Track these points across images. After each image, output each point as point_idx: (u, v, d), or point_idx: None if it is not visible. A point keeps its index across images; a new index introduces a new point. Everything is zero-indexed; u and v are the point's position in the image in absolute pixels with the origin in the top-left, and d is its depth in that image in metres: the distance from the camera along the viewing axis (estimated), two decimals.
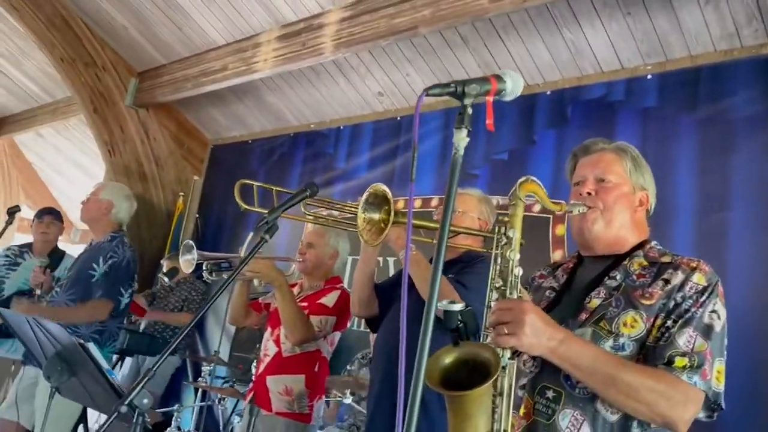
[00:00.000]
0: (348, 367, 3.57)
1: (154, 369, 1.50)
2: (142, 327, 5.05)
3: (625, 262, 1.49)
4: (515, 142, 4.08)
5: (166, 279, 4.00)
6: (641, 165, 1.59)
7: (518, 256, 1.34)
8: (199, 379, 3.84)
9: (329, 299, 2.74)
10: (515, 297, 1.33)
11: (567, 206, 1.50)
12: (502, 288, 1.35)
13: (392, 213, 1.89)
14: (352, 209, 2.28)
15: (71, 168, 7.93)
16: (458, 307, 1.25)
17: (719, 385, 1.33)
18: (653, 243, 1.55)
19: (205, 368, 3.72)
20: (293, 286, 2.97)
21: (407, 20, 3.75)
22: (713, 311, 1.36)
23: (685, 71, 3.41)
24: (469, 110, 1.15)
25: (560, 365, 1.31)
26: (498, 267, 1.35)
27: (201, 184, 6.38)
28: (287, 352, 2.71)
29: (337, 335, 2.81)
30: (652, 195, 1.61)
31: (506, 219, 1.38)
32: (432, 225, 2.22)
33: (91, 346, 1.71)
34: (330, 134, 5.34)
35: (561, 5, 3.48)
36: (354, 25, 4.07)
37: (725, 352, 1.37)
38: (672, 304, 1.37)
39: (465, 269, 2.19)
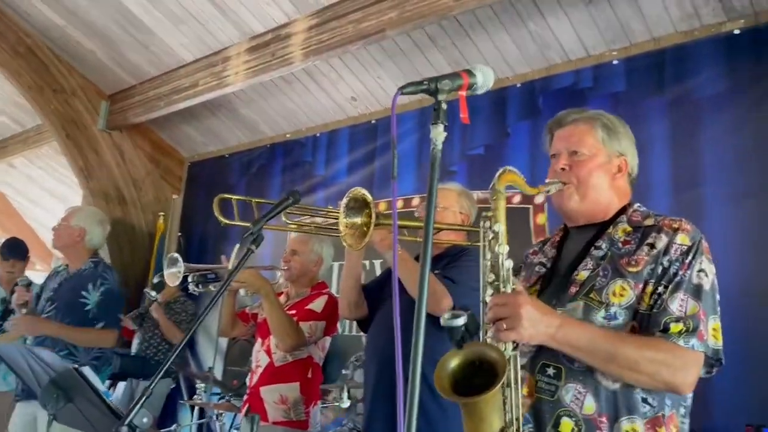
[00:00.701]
0: (343, 371, 3.58)
1: (151, 387, 1.51)
2: (133, 350, 5.01)
3: (610, 230, 1.50)
4: (490, 136, 4.13)
5: (153, 293, 3.98)
6: (616, 131, 1.58)
7: (507, 249, 1.36)
8: (195, 396, 3.83)
9: (317, 304, 2.75)
10: (509, 290, 1.35)
11: (544, 187, 1.52)
12: (496, 283, 1.36)
13: (373, 216, 1.91)
14: (334, 215, 2.31)
15: (47, 197, 7.85)
16: (461, 321, 1.25)
17: (717, 342, 1.36)
18: (636, 205, 1.56)
19: (200, 385, 3.72)
20: (279, 294, 2.98)
21: (374, 24, 3.79)
22: (701, 270, 1.38)
23: (649, 54, 3.49)
24: (444, 105, 1.18)
25: (560, 349, 1.34)
26: (488, 262, 1.37)
27: (181, 203, 6.36)
28: (279, 361, 2.72)
29: (328, 340, 2.83)
30: (632, 158, 1.60)
31: (489, 214, 1.39)
32: (415, 223, 2.25)
33: (87, 370, 1.71)
34: (307, 142, 5.36)
35: None
36: (322, 33, 4.10)
37: (718, 308, 1.40)
38: (660, 269, 1.39)
39: (451, 263, 2.23)
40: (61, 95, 5.66)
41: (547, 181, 1.54)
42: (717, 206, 3.12)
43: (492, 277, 1.36)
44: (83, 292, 3.25)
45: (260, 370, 2.74)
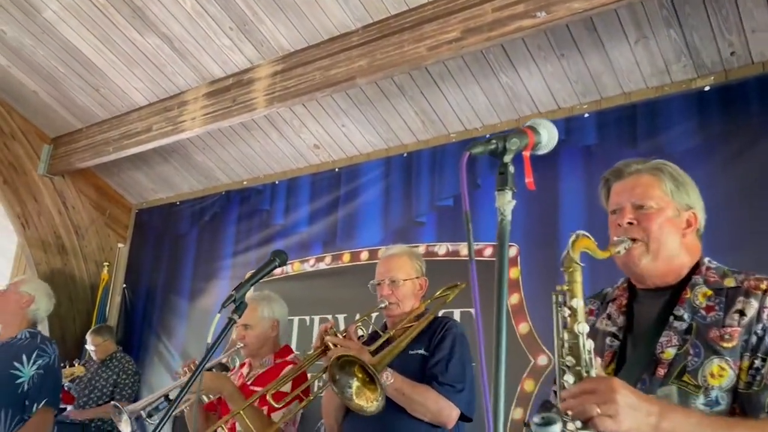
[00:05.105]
0: None
1: None
2: (68, 411, 4.57)
3: (688, 296, 1.34)
4: (459, 187, 4.03)
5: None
6: (683, 182, 1.44)
7: (587, 328, 1.20)
8: None
9: (284, 384, 2.49)
10: (594, 375, 1.17)
11: (614, 248, 1.35)
12: (577, 368, 1.18)
13: (376, 376, 1.79)
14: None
15: None
16: (557, 428, 1.08)
17: None
18: (706, 261, 1.41)
19: None
20: (242, 366, 2.73)
21: (343, 71, 3.68)
22: None
23: (620, 108, 3.50)
24: (511, 168, 1.03)
25: None
26: (565, 343, 1.20)
27: (126, 252, 5.99)
28: None
29: (300, 411, 2.58)
30: (701, 211, 1.45)
31: (565, 287, 1.23)
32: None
33: None
34: (265, 190, 5.16)
35: (496, 50, 3.51)
36: (287, 79, 3.96)
37: None
38: (754, 339, 1.23)
39: (437, 353, 2.12)
40: (0, 138, 5.30)
41: (614, 239, 1.37)
42: None
43: (571, 360, 1.19)
44: (16, 363, 2.91)
45: None
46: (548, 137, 1.09)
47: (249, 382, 2.60)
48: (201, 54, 4.23)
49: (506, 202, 1.00)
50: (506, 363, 0.91)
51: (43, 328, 3.77)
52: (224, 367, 3.54)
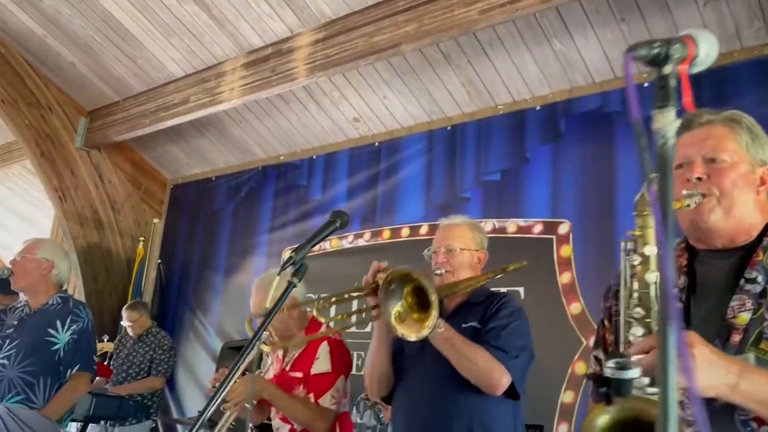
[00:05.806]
0: (355, 411, 3.22)
1: None
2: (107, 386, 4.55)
3: (760, 258, 1.22)
4: (507, 161, 3.87)
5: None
6: (759, 135, 1.31)
7: (659, 277, 1.08)
8: None
9: (323, 363, 2.37)
10: None
11: (684, 200, 1.23)
12: (647, 320, 1.07)
13: (432, 293, 1.65)
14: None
15: (14, 219, 7.35)
16: (634, 373, 0.96)
17: None
18: None
19: None
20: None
21: (388, 38, 3.53)
22: None
23: None
24: (673, 81, 0.88)
25: (742, 404, 1.06)
26: (635, 293, 1.09)
27: (162, 227, 5.96)
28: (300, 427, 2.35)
29: (348, 383, 2.47)
30: None
31: (636, 233, 1.11)
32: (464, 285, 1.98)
33: None
34: (302, 165, 5.05)
35: (551, 15, 3.32)
36: (328, 47, 3.82)
37: None
38: None
39: (491, 323, 1.97)
40: (36, 110, 5.27)
41: (684, 192, 1.25)
42: None
43: (640, 312, 1.08)
44: (50, 330, 2.84)
45: None
46: (707, 52, 0.93)
47: (287, 368, 2.49)
48: (239, 22, 4.11)
49: (668, 123, 0.83)
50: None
51: (76, 283, 3.64)
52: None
